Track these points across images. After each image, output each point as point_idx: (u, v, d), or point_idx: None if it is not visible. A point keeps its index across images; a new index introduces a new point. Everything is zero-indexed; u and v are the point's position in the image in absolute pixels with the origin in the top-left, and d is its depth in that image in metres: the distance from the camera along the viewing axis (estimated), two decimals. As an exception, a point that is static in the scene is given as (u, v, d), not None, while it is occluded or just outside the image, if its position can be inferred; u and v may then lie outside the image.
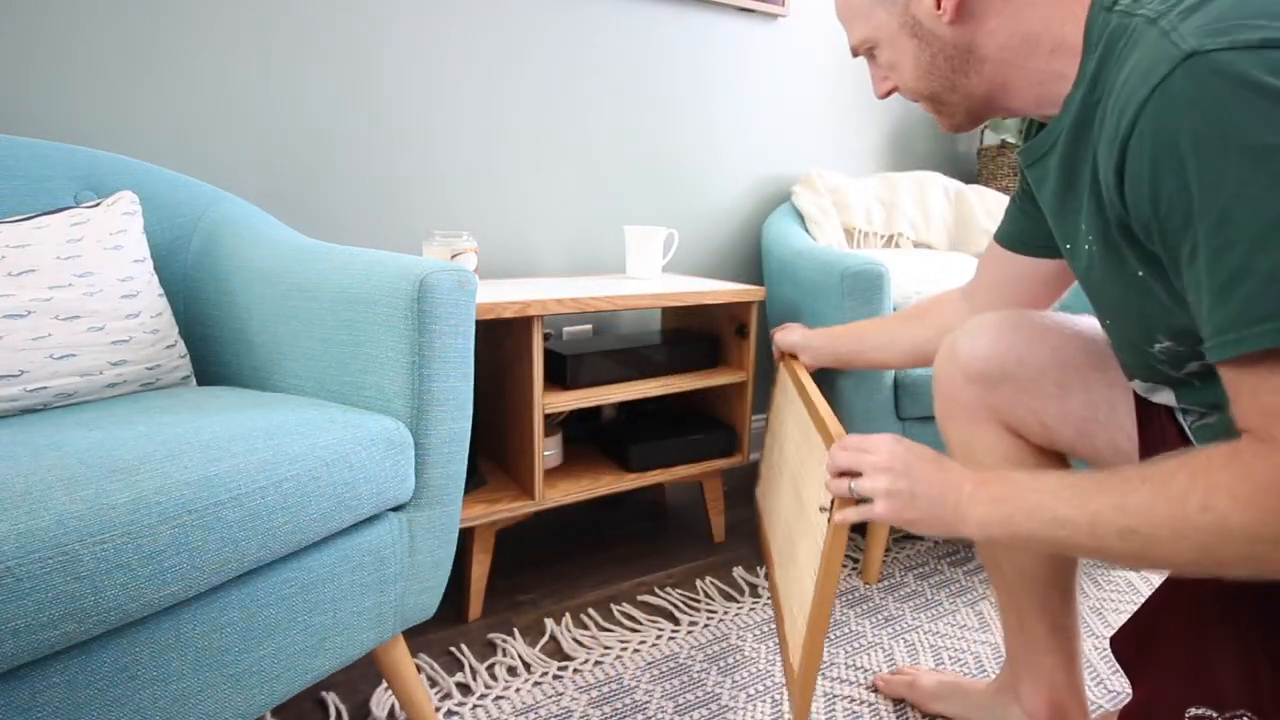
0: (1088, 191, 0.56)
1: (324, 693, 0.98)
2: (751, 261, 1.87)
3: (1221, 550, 0.45)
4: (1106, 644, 1.13)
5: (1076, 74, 0.56)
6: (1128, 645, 0.66)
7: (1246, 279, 0.42)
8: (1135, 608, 1.24)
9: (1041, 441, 0.79)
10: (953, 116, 0.68)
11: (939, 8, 0.61)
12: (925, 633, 1.16)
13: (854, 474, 0.69)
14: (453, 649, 1.09)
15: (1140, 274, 0.55)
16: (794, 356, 1.19)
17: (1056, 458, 0.81)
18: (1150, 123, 0.45)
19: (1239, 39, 0.42)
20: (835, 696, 1.00)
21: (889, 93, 0.70)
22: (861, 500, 0.68)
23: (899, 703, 0.99)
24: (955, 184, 1.86)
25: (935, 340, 0.88)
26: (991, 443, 0.80)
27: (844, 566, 1.34)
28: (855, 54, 0.71)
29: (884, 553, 1.38)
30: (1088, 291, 0.66)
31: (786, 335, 1.21)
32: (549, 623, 1.16)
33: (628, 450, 1.29)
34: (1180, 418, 0.65)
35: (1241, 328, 0.43)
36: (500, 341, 1.24)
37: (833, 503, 0.73)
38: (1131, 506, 0.48)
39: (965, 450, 0.83)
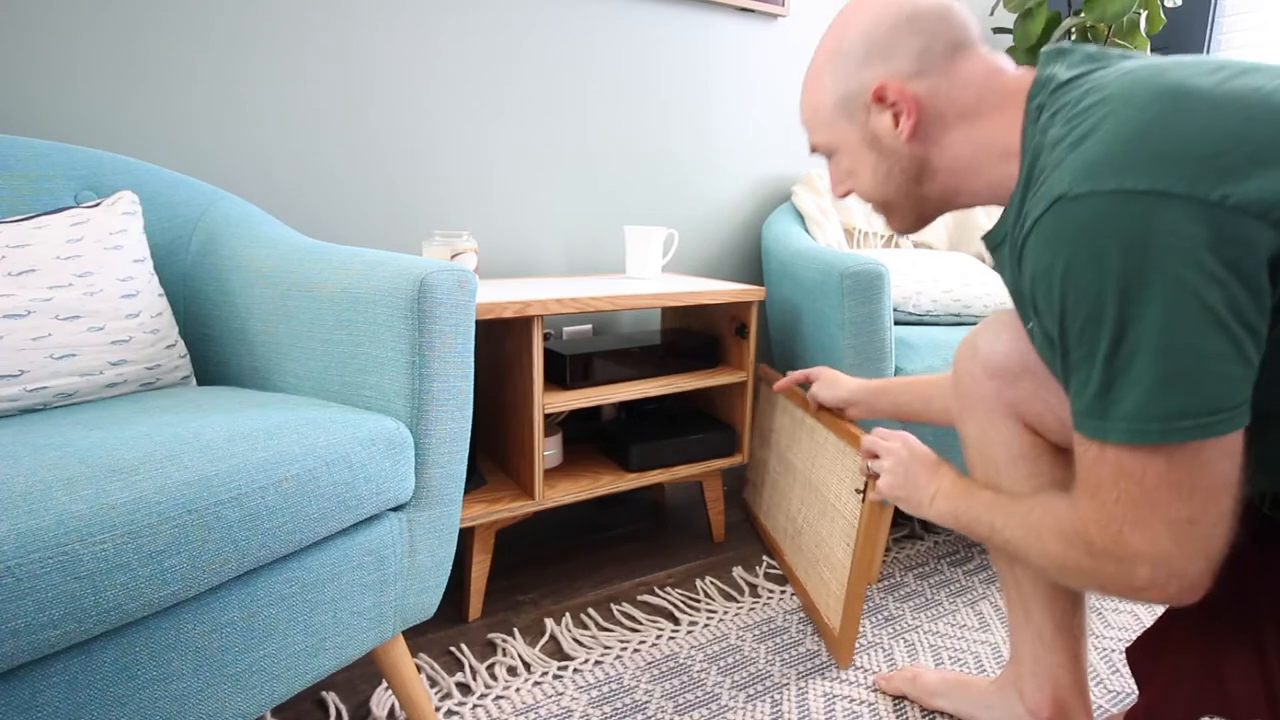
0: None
1: (324, 693, 0.98)
2: (752, 261, 1.87)
3: (1051, 567, 0.61)
4: (1107, 645, 1.13)
5: (1018, 176, 0.63)
6: (1142, 655, 0.67)
7: (1110, 386, 0.51)
8: (1136, 609, 1.24)
9: (1058, 439, 0.79)
10: (904, 220, 0.75)
11: (896, 126, 0.66)
12: (925, 633, 1.16)
13: (874, 455, 0.92)
14: (453, 649, 1.09)
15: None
16: (830, 409, 1.20)
17: (1067, 458, 0.80)
18: (1029, 252, 0.55)
19: (1100, 185, 0.50)
20: (835, 696, 1.00)
21: (847, 194, 0.76)
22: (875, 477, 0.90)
23: (899, 701, 0.99)
24: (955, 184, 1.86)
25: None
26: (1008, 437, 0.81)
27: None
28: (814, 152, 0.76)
29: (884, 553, 1.38)
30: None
31: (833, 392, 1.16)
32: (549, 623, 1.16)
33: (628, 450, 1.29)
34: None
35: (1094, 419, 0.53)
36: (500, 341, 1.24)
37: (866, 484, 1.02)
38: (1010, 526, 0.66)
39: (981, 445, 0.83)
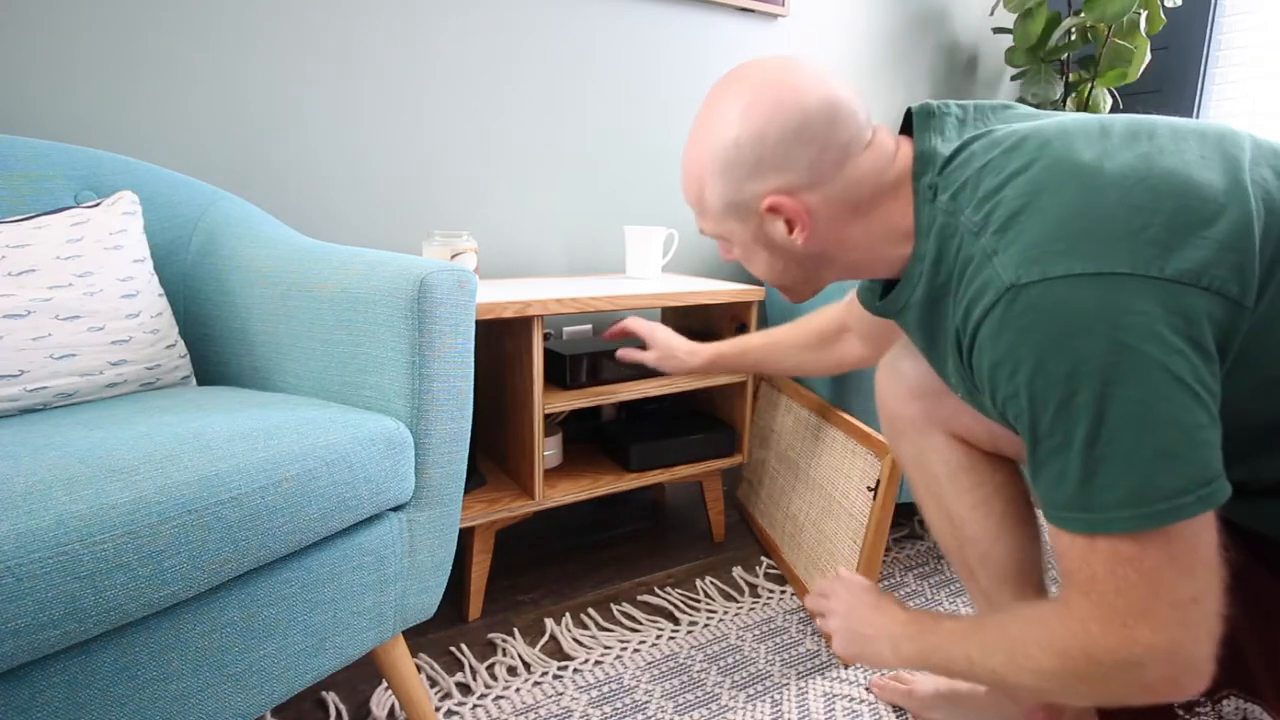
0: (951, 353, 0.63)
1: (324, 693, 0.98)
2: (751, 261, 1.87)
3: (1046, 686, 0.56)
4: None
5: (913, 252, 0.64)
6: None
7: (1094, 474, 0.49)
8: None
9: (989, 448, 0.83)
10: (797, 296, 0.74)
11: (791, 233, 0.65)
12: (925, 633, 1.16)
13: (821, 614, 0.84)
14: (453, 649, 1.09)
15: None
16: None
17: (1007, 460, 0.84)
18: (984, 342, 0.54)
19: (1049, 271, 0.50)
20: (835, 696, 1.00)
21: (734, 260, 0.75)
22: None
23: (897, 707, 0.99)
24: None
25: (828, 367, 1.06)
26: (944, 453, 0.84)
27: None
28: (703, 233, 0.73)
29: (884, 552, 1.38)
30: None
31: (684, 361, 1.13)
32: (549, 623, 1.15)
33: (628, 450, 1.29)
34: None
35: (1080, 511, 0.50)
36: (500, 341, 1.24)
37: (878, 483, 1.05)
38: (989, 653, 0.60)
39: (919, 464, 0.86)
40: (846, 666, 1.03)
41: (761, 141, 0.61)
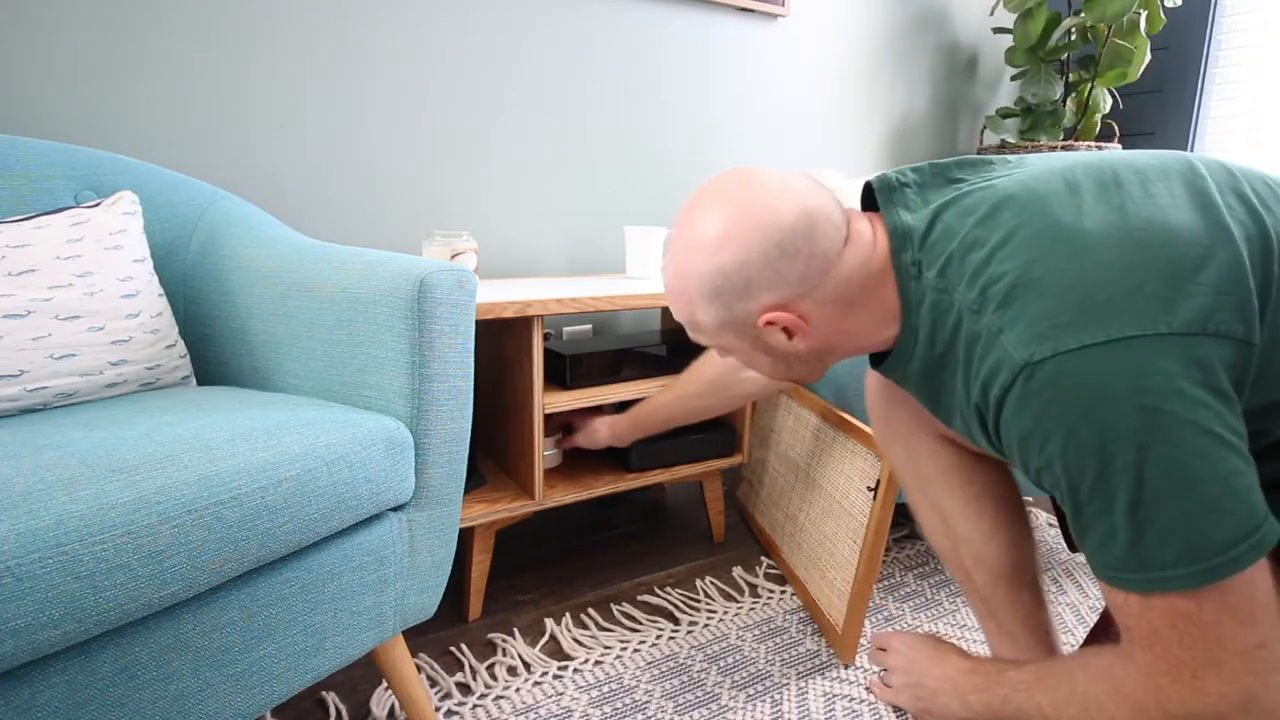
0: (972, 419, 0.62)
1: (324, 693, 0.98)
2: (751, 261, 1.87)
3: None
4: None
5: (902, 326, 0.65)
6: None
7: (1141, 536, 0.50)
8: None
9: (977, 449, 0.82)
10: (812, 380, 0.75)
11: (790, 339, 0.66)
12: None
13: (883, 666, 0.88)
14: (453, 649, 1.09)
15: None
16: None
17: (996, 461, 0.84)
18: (1009, 418, 0.55)
19: (1060, 346, 0.50)
20: (835, 696, 1.00)
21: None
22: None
23: (897, 708, 0.99)
24: (955, 184, 1.86)
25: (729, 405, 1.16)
26: (932, 453, 0.84)
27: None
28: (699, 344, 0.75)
29: (884, 552, 1.37)
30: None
31: (597, 437, 1.24)
32: (549, 623, 1.15)
33: (628, 450, 1.29)
34: None
35: (1134, 571, 0.51)
36: (500, 341, 1.24)
37: (878, 483, 1.04)
38: (1061, 703, 0.60)
39: (911, 465, 0.87)
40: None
41: (747, 265, 0.62)
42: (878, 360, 0.72)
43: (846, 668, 1.06)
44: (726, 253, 0.62)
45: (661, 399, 1.17)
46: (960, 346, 0.59)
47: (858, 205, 0.71)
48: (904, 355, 0.66)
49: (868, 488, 1.08)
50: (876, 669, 0.92)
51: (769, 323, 0.64)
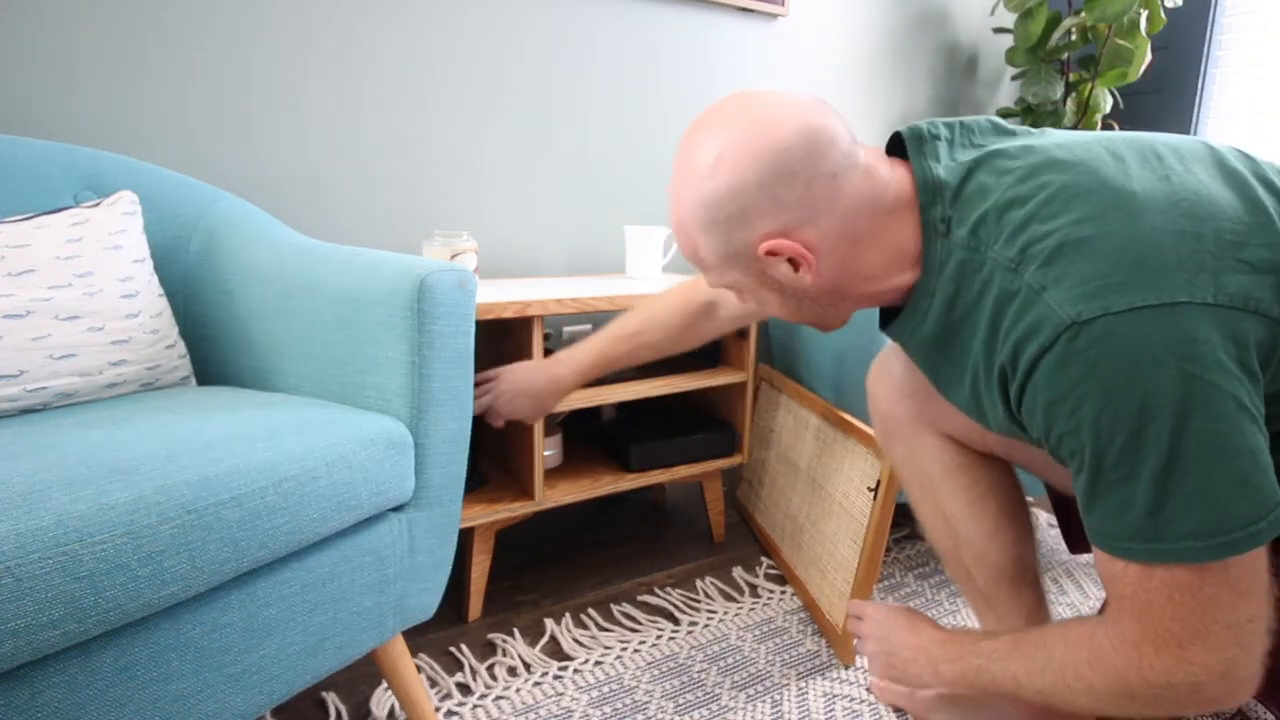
0: (982, 385, 0.61)
1: (324, 693, 0.98)
2: (751, 261, 1.87)
3: (1097, 704, 0.57)
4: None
5: (920, 284, 0.62)
6: None
7: (1162, 505, 0.49)
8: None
9: (981, 448, 0.83)
10: (829, 328, 0.72)
11: (796, 272, 0.62)
12: (925, 633, 1.16)
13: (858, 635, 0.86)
14: (453, 649, 1.09)
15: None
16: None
17: (998, 460, 0.84)
18: (1042, 379, 0.52)
19: (1111, 306, 0.49)
20: (835, 696, 1.00)
21: None
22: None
23: (898, 709, 0.99)
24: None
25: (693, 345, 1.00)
26: (936, 453, 0.83)
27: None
28: (711, 286, 0.70)
29: (884, 553, 1.37)
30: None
31: (539, 400, 1.04)
32: (549, 623, 1.15)
33: (628, 450, 1.29)
34: None
35: (1146, 541, 0.50)
36: (500, 341, 1.24)
37: (878, 483, 1.04)
38: (1035, 672, 0.60)
39: (913, 465, 0.86)
40: (884, 701, 1.00)
41: (742, 190, 0.58)
42: (886, 320, 0.70)
43: (846, 668, 1.06)
44: (720, 177, 0.58)
45: (623, 347, 1.01)
46: (986, 308, 0.57)
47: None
48: (917, 316, 0.63)
49: (868, 488, 1.08)
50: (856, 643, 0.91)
51: (770, 252, 0.60)
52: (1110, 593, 0.54)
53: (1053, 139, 0.60)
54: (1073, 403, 0.51)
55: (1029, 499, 0.88)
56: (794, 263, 0.61)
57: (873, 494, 1.07)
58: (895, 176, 0.62)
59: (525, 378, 1.04)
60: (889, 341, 0.88)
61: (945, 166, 0.60)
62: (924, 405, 0.83)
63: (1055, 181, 0.55)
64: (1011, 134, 0.63)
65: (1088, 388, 0.50)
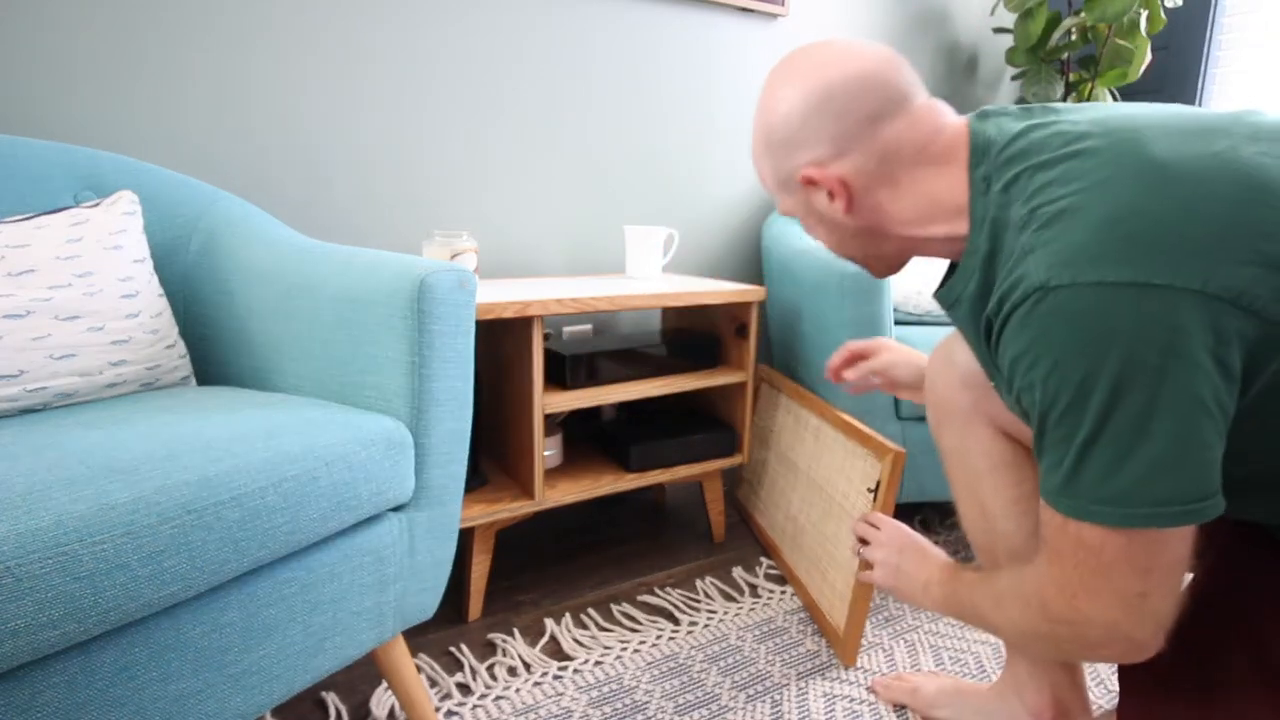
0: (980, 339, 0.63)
1: (324, 693, 0.98)
2: (752, 261, 1.87)
3: (1014, 633, 0.63)
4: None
5: (968, 243, 0.63)
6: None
7: (1083, 469, 0.52)
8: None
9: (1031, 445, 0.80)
10: (874, 271, 0.76)
11: (832, 201, 0.66)
12: (925, 633, 1.16)
13: (864, 541, 0.90)
14: (453, 649, 1.09)
15: None
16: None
17: None
18: (1009, 335, 0.55)
19: (1080, 277, 0.49)
20: (835, 696, 1.00)
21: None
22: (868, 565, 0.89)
23: (900, 705, 0.99)
24: (955, 184, 1.86)
25: None
26: (988, 446, 0.82)
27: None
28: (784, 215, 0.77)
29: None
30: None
31: (912, 374, 0.97)
32: (549, 623, 1.15)
33: (628, 450, 1.29)
34: None
35: (1064, 497, 0.53)
36: (500, 341, 1.24)
37: (878, 484, 1.05)
38: (985, 605, 0.67)
39: (960, 455, 0.85)
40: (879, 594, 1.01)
41: (790, 122, 0.65)
42: (940, 286, 0.71)
43: (847, 669, 1.06)
44: (780, 110, 0.66)
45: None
46: (1001, 268, 0.58)
47: None
48: (964, 274, 0.64)
49: (868, 489, 1.08)
50: (858, 541, 0.92)
51: (808, 180, 0.66)
52: (1041, 535, 0.58)
53: (1135, 108, 0.59)
54: (1029, 360, 0.53)
55: None
56: (832, 196, 0.66)
57: (872, 495, 1.07)
58: (950, 132, 0.64)
59: (905, 351, 1.00)
60: (954, 330, 0.86)
61: (999, 129, 0.61)
62: (984, 397, 0.81)
63: (1091, 148, 0.54)
64: (1103, 108, 0.62)
65: (1041, 350, 0.52)
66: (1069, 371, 0.50)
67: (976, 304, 0.63)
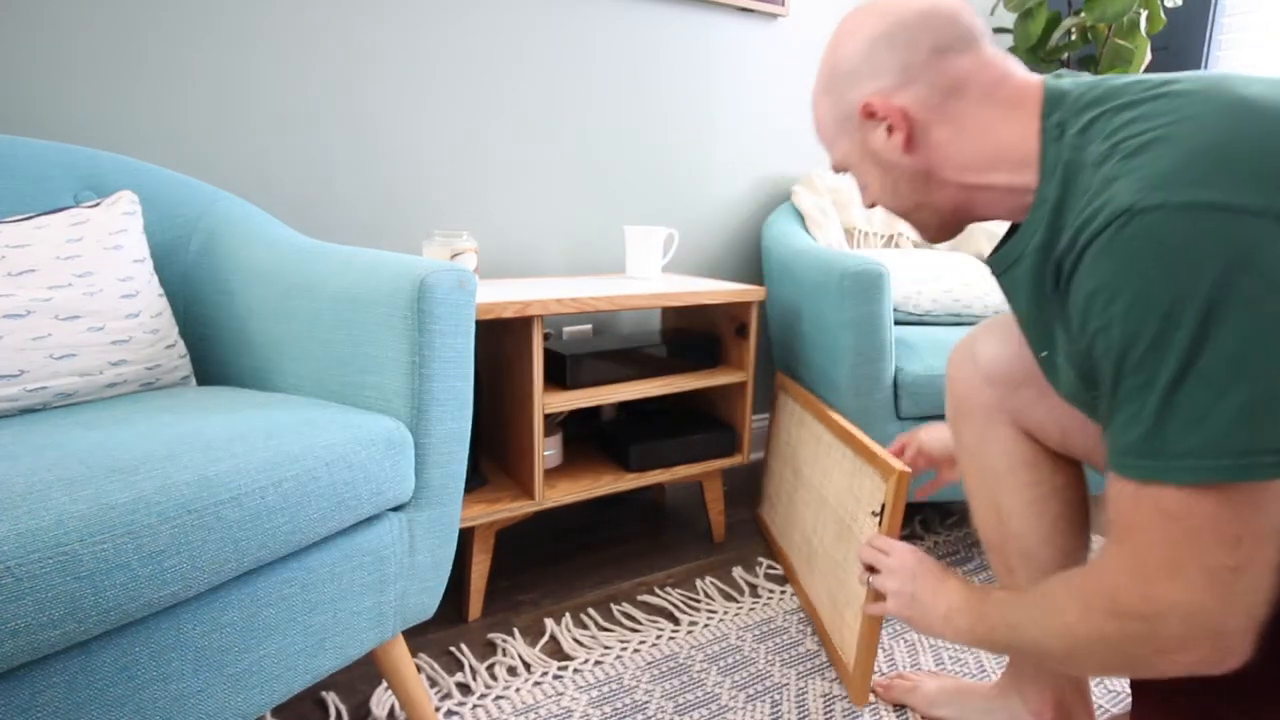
0: (1057, 310, 0.59)
1: (324, 693, 0.98)
2: (752, 261, 1.87)
3: (1070, 642, 0.55)
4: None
5: (1037, 195, 0.59)
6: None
7: (1168, 419, 0.47)
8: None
9: (1057, 447, 0.79)
10: (926, 229, 0.71)
11: (891, 136, 0.64)
12: (925, 633, 1.16)
13: (874, 570, 0.85)
14: (453, 649, 1.09)
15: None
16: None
17: (1071, 463, 0.80)
18: (1086, 267, 0.50)
19: (1170, 200, 0.46)
20: (835, 696, 1.00)
21: (872, 205, 0.74)
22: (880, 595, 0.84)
23: (900, 705, 0.99)
24: (955, 184, 1.86)
25: None
26: (1007, 446, 0.80)
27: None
28: (836, 171, 0.74)
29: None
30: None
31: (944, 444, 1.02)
32: (549, 623, 1.15)
33: (628, 450, 1.29)
34: None
35: (1143, 458, 0.48)
36: (500, 341, 1.24)
37: (883, 508, 0.98)
38: (1028, 619, 0.60)
39: (979, 453, 0.83)
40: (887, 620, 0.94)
41: (854, 54, 0.65)
42: (998, 248, 0.68)
43: (859, 710, 1.00)
44: (850, 43, 0.65)
45: None
46: (1073, 208, 0.54)
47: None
48: (1030, 228, 0.60)
49: (872, 513, 1.03)
50: (866, 579, 0.88)
51: (867, 112, 0.64)
52: (1110, 516, 0.53)
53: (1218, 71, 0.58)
54: (1107, 295, 0.49)
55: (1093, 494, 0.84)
56: (890, 129, 0.64)
57: (878, 519, 1.00)
58: (1020, 80, 0.62)
59: (936, 427, 1.05)
60: (979, 324, 0.84)
61: (1075, 81, 0.60)
62: (1007, 395, 0.79)
63: (1178, 90, 0.52)
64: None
65: (1123, 280, 0.47)
66: (1154, 301, 0.46)
67: (1040, 255, 0.59)
